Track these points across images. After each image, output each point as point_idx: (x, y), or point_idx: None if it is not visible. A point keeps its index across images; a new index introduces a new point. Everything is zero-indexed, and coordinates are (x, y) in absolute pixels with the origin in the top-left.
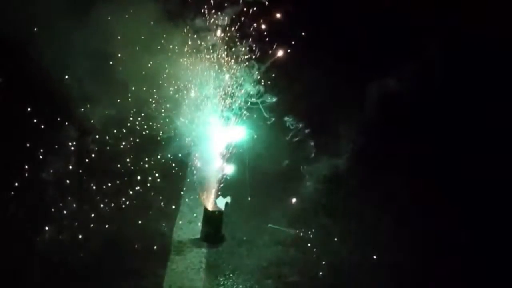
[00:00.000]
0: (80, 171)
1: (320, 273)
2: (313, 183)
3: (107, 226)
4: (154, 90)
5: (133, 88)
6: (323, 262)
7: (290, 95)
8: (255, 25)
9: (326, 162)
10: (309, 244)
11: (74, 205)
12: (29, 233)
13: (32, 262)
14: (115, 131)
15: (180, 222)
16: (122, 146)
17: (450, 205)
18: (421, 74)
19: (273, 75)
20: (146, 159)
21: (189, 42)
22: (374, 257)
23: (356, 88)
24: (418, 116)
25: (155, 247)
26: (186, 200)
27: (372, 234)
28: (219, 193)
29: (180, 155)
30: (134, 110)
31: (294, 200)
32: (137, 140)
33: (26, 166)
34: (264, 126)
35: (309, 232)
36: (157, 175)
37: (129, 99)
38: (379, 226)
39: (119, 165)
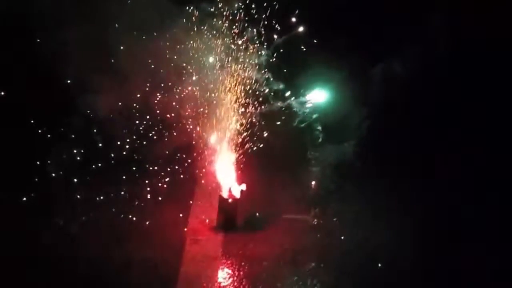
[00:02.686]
0: (90, 161)
1: (336, 260)
2: (322, 168)
3: (121, 216)
4: (162, 78)
5: (140, 77)
6: (339, 249)
7: (296, 82)
8: (260, 11)
9: (333, 148)
10: (324, 231)
11: (85, 197)
12: (39, 224)
13: (42, 253)
14: (123, 120)
15: (195, 210)
16: (131, 136)
17: (460, 189)
18: (427, 60)
19: (279, 61)
20: (157, 148)
21: (195, 29)
22: (390, 243)
23: (363, 74)
24: (423, 102)
25: (170, 236)
26: (201, 188)
27: (386, 220)
28: (234, 181)
29: (192, 143)
30: (141, 98)
31: (304, 186)
32: (148, 129)
33: (33, 158)
34: (271, 112)
35: (323, 219)
36: (169, 163)
37: (136, 88)
38: (392, 211)
39: (129, 155)
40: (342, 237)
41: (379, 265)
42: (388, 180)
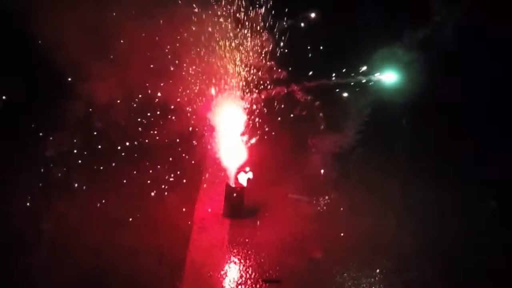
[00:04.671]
0: (95, 151)
1: (344, 249)
2: (324, 156)
3: (127, 204)
4: (165, 64)
5: (143, 64)
6: (347, 238)
7: (298, 69)
8: None
9: (334, 135)
10: (330, 219)
11: (90, 185)
12: (41, 211)
13: (44, 240)
14: (126, 108)
15: (202, 198)
16: (134, 123)
17: (457, 173)
18: (428, 47)
19: (282, 47)
20: (163, 135)
21: (195, 14)
22: (398, 230)
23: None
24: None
25: (177, 225)
26: (208, 176)
27: (392, 208)
28: (241, 168)
29: (199, 131)
30: (144, 85)
31: (309, 173)
32: (151, 116)
33: (35, 147)
34: (273, 99)
35: (331, 206)
36: (175, 151)
37: (139, 75)
38: (397, 199)
39: (134, 143)
40: (352, 225)
41: (390, 254)
42: (390, 168)
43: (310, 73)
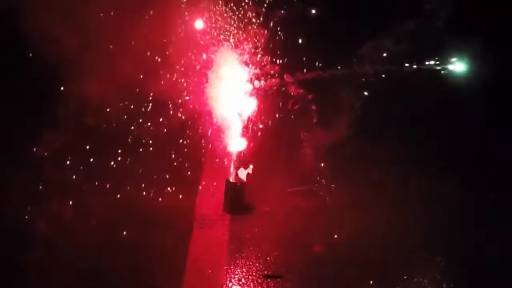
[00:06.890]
0: (93, 146)
1: (345, 243)
2: (320, 150)
3: (126, 201)
4: (162, 54)
5: (137, 58)
6: (348, 231)
7: (292, 63)
8: None
9: (327, 129)
10: (331, 213)
11: (87, 182)
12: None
13: (43, 239)
14: (121, 103)
15: (202, 195)
16: (133, 118)
17: (448, 166)
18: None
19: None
20: (161, 129)
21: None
22: (398, 223)
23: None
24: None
25: (177, 221)
26: (208, 172)
27: (391, 200)
28: (241, 164)
29: (197, 125)
30: (142, 75)
31: (307, 167)
32: (149, 109)
33: (28, 141)
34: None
35: (330, 200)
36: (174, 146)
37: (136, 68)
38: (395, 192)
39: (133, 139)
40: (353, 219)
41: (391, 249)
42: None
43: (305, 68)
